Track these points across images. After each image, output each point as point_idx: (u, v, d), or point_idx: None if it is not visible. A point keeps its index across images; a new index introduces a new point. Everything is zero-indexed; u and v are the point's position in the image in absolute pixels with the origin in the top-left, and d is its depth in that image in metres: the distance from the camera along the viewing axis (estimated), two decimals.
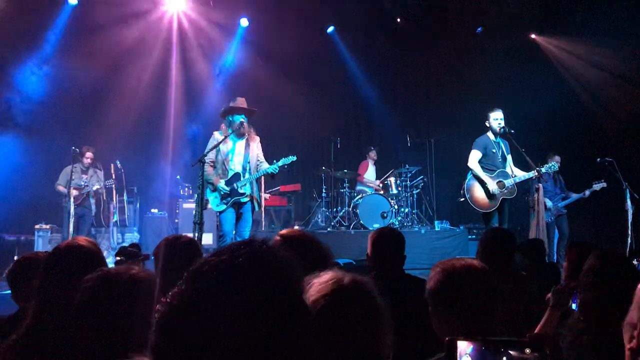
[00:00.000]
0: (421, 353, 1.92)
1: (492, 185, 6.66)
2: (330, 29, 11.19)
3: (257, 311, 0.83)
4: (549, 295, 2.58)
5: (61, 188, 8.36)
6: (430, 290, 1.90)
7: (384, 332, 1.30)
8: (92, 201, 8.54)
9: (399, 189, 9.65)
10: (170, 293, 0.89)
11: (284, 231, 2.39)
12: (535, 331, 2.48)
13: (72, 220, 7.93)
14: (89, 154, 8.46)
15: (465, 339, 1.46)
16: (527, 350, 1.45)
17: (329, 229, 9.18)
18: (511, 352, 1.45)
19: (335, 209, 9.75)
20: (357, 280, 1.37)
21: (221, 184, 6.06)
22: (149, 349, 0.88)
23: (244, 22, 10.58)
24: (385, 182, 9.92)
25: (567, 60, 10.64)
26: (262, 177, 7.07)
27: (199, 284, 0.87)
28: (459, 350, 1.46)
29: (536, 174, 6.54)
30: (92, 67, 9.45)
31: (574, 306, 2.57)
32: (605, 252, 2.27)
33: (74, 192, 8.20)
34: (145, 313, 1.57)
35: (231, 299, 0.83)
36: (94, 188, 8.38)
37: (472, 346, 1.47)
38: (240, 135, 6.23)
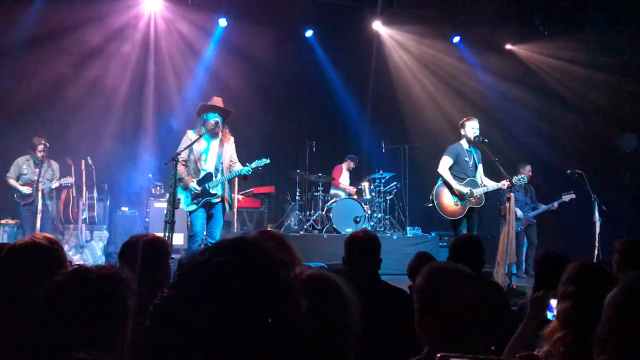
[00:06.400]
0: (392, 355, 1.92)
1: (462, 188, 6.72)
2: (309, 33, 11.19)
3: (248, 302, 0.83)
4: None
5: (12, 181, 7.96)
6: (417, 288, 1.89)
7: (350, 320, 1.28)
8: (47, 197, 8.09)
9: (373, 194, 9.68)
10: (166, 287, 0.90)
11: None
12: (511, 341, 2.48)
13: (39, 216, 7.72)
14: (40, 147, 7.97)
15: (458, 357, 1.45)
16: None
17: (301, 232, 9.17)
18: None
19: (308, 212, 9.75)
20: (320, 273, 1.37)
21: (192, 184, 6.00)
22: (141, 340, 0.88)
23: (223, 22, 10.51)
24: (359, 187, 9.95)
25: (541, 70, 10.81)
26: (235, 178, 7.02)
27: (192, 277, 0.87)
28: None
29: (507, 184, 6.62)
30: (65, 66, 9.30)
31: (550, 315, 2.57)
32: (585, 262, 2.27)
33: (26, 189, 7.89)
34: (115, 310, 1.54)
35: (222, 292, 0.83)
36: (53, 186, 8.00)
37: None
38: (214, 134, 6.17)
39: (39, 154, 8.02)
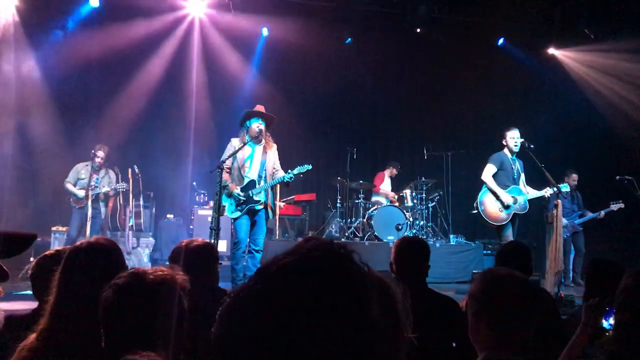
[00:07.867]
0: None
1: (507, 198, 6.62)
2: (349, 40, 11.22)
3: (324, 317, 0.76)
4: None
5: (69, 186, 8.11)
6: (473, 293, 1.86)
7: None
8: (102, 203, 8.26)
9: (415, 201, 9.60)
10: (237, 287, 0.84)
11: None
12: (566, 349, 2.41)
13: (88, 223, 7.92)
14: (100, 153, 8.09)
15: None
16: None
17: (342, 240, 9.14)
18: None
19: (349, 220, 9.73)
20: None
21: (237, 191, 6.08)
22: (211, 340, 0.82)
23: (265, 31, 10.67)
24: (401, 194, 9.88)
25: (586, 74, 10.54)
26: (277, 185, 7.08)
27: (268, 279, 0.81)
28: None
29: (550, 191, 6.56)
30: (112, 70, 9.62)
31: (606, 324, 2.49)
32: None
33: (82, 193, 8.03)
34: (171, 313, 1.58)
35: (299, 299, 0.77)
36: (103, 190, 8.10)
37: None
38: (257, 142, 6.25)
39: (97, 160, 8.13)
